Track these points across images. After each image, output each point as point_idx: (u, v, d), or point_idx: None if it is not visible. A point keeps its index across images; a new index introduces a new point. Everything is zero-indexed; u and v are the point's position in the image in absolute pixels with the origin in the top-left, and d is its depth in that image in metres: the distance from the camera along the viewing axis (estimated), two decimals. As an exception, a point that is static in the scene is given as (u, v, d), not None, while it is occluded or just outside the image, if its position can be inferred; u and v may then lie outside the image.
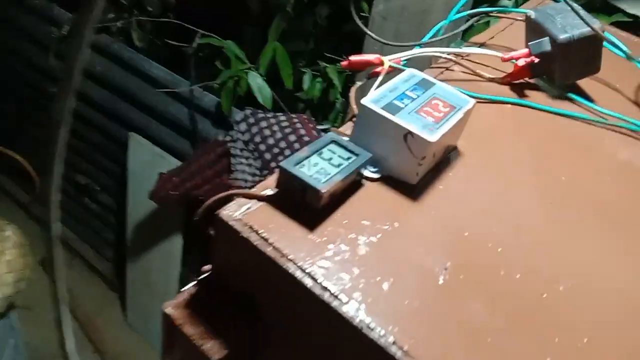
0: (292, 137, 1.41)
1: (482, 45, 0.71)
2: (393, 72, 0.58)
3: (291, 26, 1.58)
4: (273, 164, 1.44)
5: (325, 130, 0.57)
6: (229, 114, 1.51)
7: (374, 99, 0.48)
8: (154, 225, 1.86)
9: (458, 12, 0.68)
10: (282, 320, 0.42)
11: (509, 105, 0.61)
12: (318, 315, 0.38)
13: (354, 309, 0.37)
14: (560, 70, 0.62)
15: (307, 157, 0.44)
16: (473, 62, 0.65)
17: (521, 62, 0.61)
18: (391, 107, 0.47)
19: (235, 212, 0.41)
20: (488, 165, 0.53)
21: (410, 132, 0.45)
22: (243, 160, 1.48)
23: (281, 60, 1.48)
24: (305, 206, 0.42)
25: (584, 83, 0.66)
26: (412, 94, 0.50)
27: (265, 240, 0.39)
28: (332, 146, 0.46)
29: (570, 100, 0.64)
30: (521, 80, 0.65)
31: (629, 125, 0.61)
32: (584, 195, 0.52)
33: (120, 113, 1.82)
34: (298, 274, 0.38)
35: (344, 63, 0.59)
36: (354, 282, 0.38)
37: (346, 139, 0.50)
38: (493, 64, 0.65)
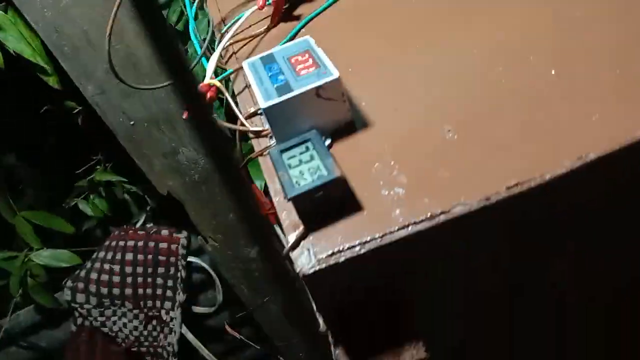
0: (141, 257, 1.26)
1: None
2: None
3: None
4: (149, 290, 1.28)
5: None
6: (54, 303, 1.27)
7: (264, 96, 0.47)
8: None
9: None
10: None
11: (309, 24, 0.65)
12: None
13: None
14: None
15: (290, 178, 0.42)
16: (243, 29, 0.67)
17: (274, -6, 0.64)
18: (282, 89, 0.47)
19: (308, 263, 0.39)
20: (378, 64, 0.57)
21: (318, 87, 0.46)
22: (115, 319, 1.30)
23: (46, 222, 1.23)
24: (339, 203, 0.42)
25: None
26: (273, 70, 0.50)
27: (363, 244, 0.38)
28: (285, 155, 0.45)
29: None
30: (287, 5, 0.68)
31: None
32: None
33: None
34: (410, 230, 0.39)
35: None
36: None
37: (274, 142, 0.49)
38: (257, 16, 0.68)
